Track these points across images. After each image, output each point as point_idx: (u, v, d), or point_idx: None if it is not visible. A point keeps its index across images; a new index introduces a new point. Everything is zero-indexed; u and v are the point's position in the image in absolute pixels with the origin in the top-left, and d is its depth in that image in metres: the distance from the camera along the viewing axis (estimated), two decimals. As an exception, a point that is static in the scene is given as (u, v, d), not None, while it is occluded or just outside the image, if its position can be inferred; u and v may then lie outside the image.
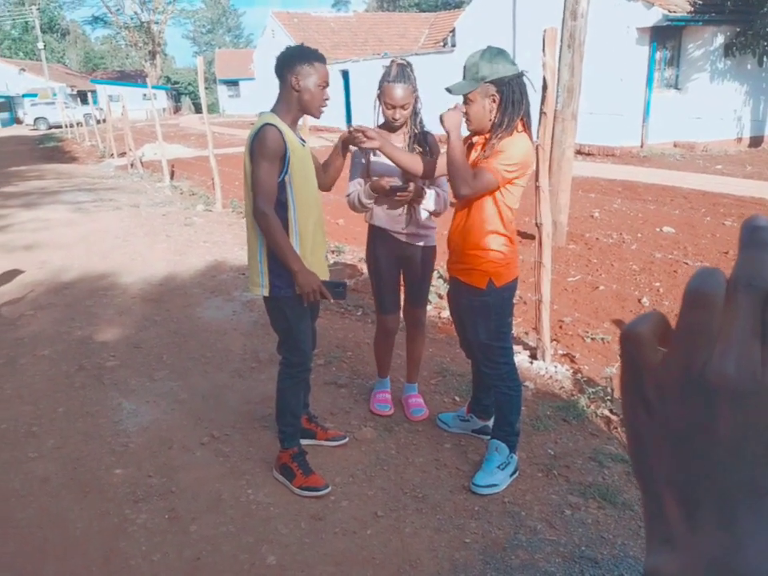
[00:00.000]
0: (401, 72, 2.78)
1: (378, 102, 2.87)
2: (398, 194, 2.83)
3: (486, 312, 2.63)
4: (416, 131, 2.91)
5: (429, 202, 2.93)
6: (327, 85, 2.57)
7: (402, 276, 3.19)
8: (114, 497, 2.75)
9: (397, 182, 2.84)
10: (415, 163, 2.72)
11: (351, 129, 2.61)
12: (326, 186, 2.88)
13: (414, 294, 3.20)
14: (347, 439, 3.10)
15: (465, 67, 2.47)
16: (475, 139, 2.59)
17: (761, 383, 0.29)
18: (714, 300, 0.30)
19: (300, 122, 2.72)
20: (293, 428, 2.81)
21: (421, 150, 2.89)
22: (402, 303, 3.27)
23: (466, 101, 2.47)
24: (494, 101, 2.44)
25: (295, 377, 2.75)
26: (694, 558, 0.31)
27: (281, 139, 2.46)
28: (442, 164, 2.72)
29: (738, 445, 0.30)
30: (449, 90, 2.50)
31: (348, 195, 3.00)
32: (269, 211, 2.46)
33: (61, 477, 2.91)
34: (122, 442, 3.17)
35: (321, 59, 2.56)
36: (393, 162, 2.70)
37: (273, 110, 2.58)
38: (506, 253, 2.59)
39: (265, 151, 2.45)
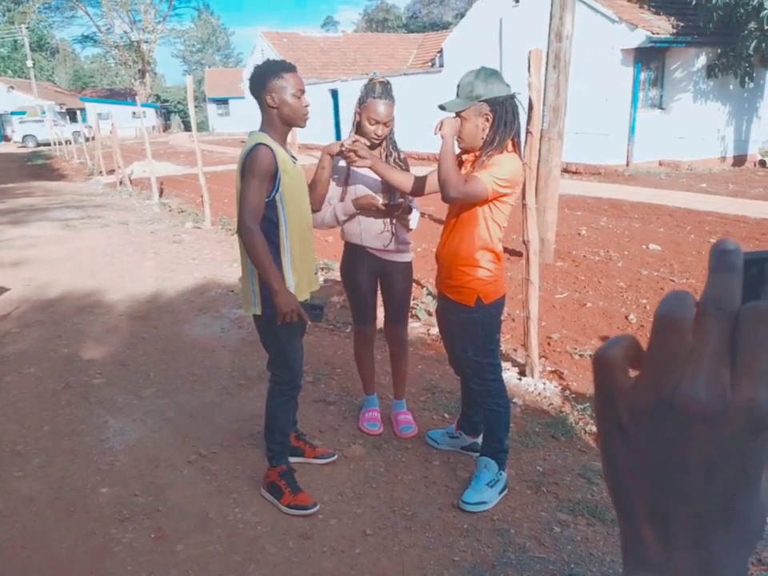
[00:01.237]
0: (385, 89, 2.84)
1: (356, 117, 2.91)
2: (391, 208, 2.87)
3: (474, 329, 2.64)
4: (392, 149, 2.97)
5: (413, 219, 2.99)
6: (303, 91, 2.55)
7: (381, 293, 3.22)
8: (99, 516, 2.71)
9: (379, 199, 2.88)
10: (407, 180, 2.76)
11: (344, 147, 2.62)
12: (316, 204, 2.88)
13: (394, 311, 3.22)
14: (336, 456, 3.09)
15: (459, 86, 2.50)
16: (465, 156, 2.61)
17: (730, 406, 0.30)
18: (684, 324, 0.31)
19: (288, 139, 2.74)
20: (281, 446, 2.79)
21: (399, 166, 2.94)
22: (377, 316, 3.31)
23: (459, 119, 2.49)
24: (487, 120, 2.47)
25: (286, 394, 2.74)
26: None
27: (272, 158, 2.47)
28: (431, 181, 2.75)
29: (710, 467, 0.31)
30: (442, 107, 2.52)
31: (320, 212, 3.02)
32: (254, 227, 2.45)
33: (46, 496, 2.87)
34: (108, 461, 3.13)
35: (289, 69, 2.54)
36: (385, 179, 2.73)
37: (261, 130, 2.58)
38: (494, 270, 2.60)
39: (255, 170, 2.45)
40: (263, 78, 2.51)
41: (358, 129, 2.92)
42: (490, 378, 2.71)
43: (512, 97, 2.49)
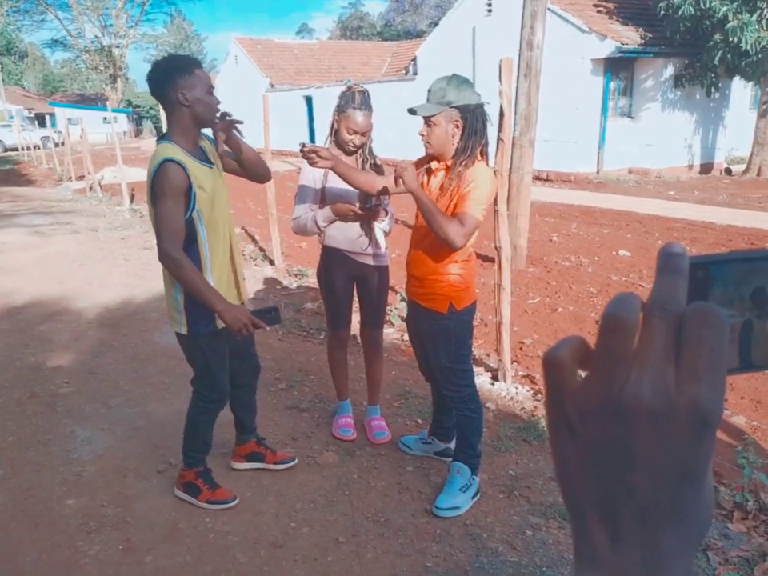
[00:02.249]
0: (364, 99, 2.85)
1: (334, 125, 2.91)
2: (368, 212, 2.87)
3: (446, 336, 2.64)
4: (368, 155, 2.98)
5: (387, 221, 3.01)
6: (213, 88, 2.39)
7: (358, 297, 3.22)
8: (65, 528, 2.65)
9: (355, 205, 2.88)
10: (370, 181, 2.73)
11: (304, 148, 2.54)
12: (262, 176, 2.75)
13: (370, 314, 3.22)
14: (296, 461, 3.06)
15: (429, 91, 2.48)
16: (434, 165, 2.58)
17: (675, 405, 0.30)
18: (630, 325, 0.31)
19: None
20: (202, 453, 2.79)
21: (374, 173, 2.95)
22: (352, 322, 3.31)
23: (429, 123, 2.48)
24: (457, 127, 2.46)
25: (211, 411, 2.71)
26: None
27: (183, 174, 2.28)
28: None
29: (656, 466, 0.31)
30: (412, 111, 2.50)
31: (295, 218, 3.01)
32: (176, 253, 2.28)
33: (10, 508, 2.80)
34: (74, 471, 3.07)
35: (199, 64, 2.38)
36: (346, 181, 2.70)
37: (168, 137, 2.38)
38: (465, 277, 2.61)
39: (167, 190, 2.27)
40: (172, 74, 2.29)
41: (336, 136, 2.92)
42: (463, 383, 2.72)
43: (482, 105, 2.50)
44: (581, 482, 0.34)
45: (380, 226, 3.03)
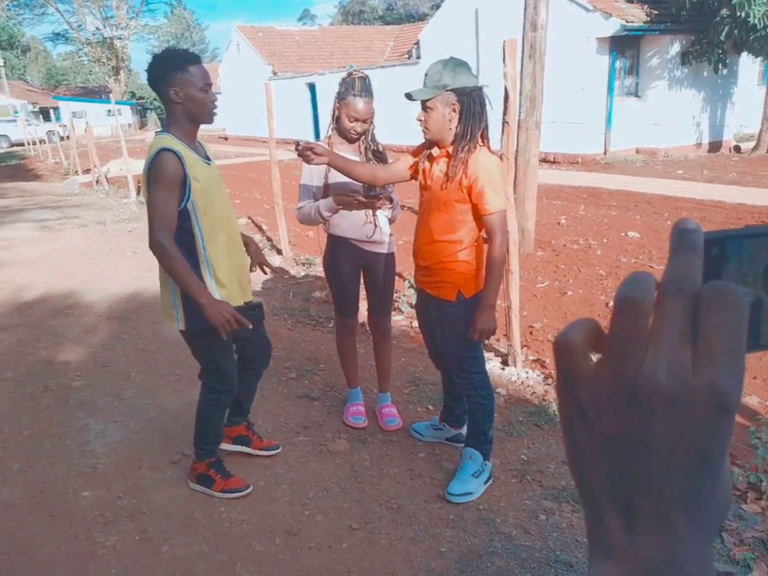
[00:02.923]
0: (364, 86, 2.82)
1: (335, 112, 2.89)
2: (372, 200, 2.86)
3: (456, 323, 2.63)
4: (370, 142, 2.96)
5: (394, 209, 3.00)
6: (210, 86, 2.38)
7: (364, 285, 3.22)
8: (82, 520, 2.68)
9: (359, 194, 2.86)
10: (369, 172, 2.72)
11: (299, 146, 2.52)
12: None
13: (378, 301, 3.22)
14: (280, 449, 3.09)
15: (426, 75, 2.46)
16: (435, 152, 2.55)
17: (692, 388, 0.29)
18: (644, 306, 0.30)
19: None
20: (213, 445, 2.81)
21: (377, 159, 2.96)
22: (359, 308, 3.32)
23: (425, 108, 2.45)
24: (455, 110, 2.43)
25: (221, 403, 2.73)
26: (633, 568, 0.31)
27: (178, 164, 2.31)
28: (395, 169, 2.73)
29: (672, 451, 0.30)
30: (409, 96, 2.48)
31: (299, 208, 3.00)
32: (166, 242, 2.28)
33: (27, 501, 2.83)
34: (89, 464, 3.10)
35: (194, 60, 2.34)
36: (346, 174, 2.69)
37: (166, 130, 2.41)
38: (473, 263, 2.59)
39: (161, 179, 2.29)
40: (165, 71, 2.31)
41: (337, 123, 2.91)
42: (474, 370, 2.72)
43: (479, 88, 2.46)
44: (594, 470, 0.33)
45: (385, 214, 3.02)
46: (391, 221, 3.11)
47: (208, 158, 2.52)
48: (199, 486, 2.81)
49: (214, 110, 2.43)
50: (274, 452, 3.08)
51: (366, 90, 2.83)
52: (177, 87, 2.30)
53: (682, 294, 0.30)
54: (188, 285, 2.31)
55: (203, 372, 2.70)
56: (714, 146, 14.18)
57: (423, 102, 2.45)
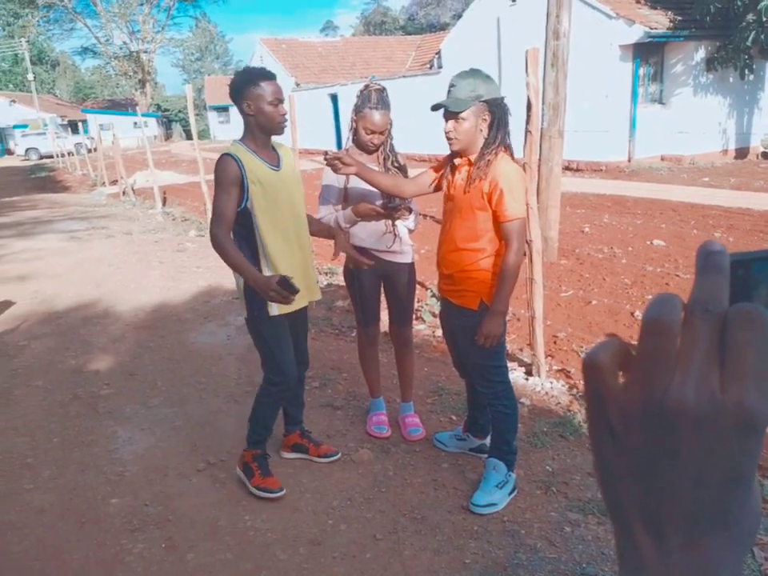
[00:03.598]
0: (380, 98, 2.85)
1: (352, 125, 2.93)
2: (391, 211, 2.87)
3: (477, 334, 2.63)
4: (389, 153, 2.99)
5: (411, 220, 3.02)
6: (280, 101, 2.56)
7: (385, 295, 3.24)
8: (110, 527, 2.72)
9: (377, 204, 2.89)
10: (395, 184, 2.76)
11: (327, 156, 2.62)
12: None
13: (399, 311, 3.24)
14: (339, 455, 3.11)
15: (453, 86, 2.45)
16: (457, 161, 2.57)
17: (720, 407, 0.30)
18: (671, 327, 0.31)
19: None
20: (261, 436, 2.89)
21: (396, 169, 2.98)
22: (380, 318, 3.34)
23: (457, 119, 2.44)
24: (485, 120, 2.45)
25: (275, 395, 2.82)
26: None
27: (236, 168, 2.52)
28: (420, 182, 2.76)
29: (701, 470, 0.31)
30: (443, 106, 2.46)
31: (319, 219, 3.03)
32: (219, 233, 2.49)
33: (57, 508, 2.88)
34: (117, 471, 3.14)
35: (266, 76, 2.54)
36: (373, 185, 2.73)
37: (240, 139, 2.65)
38: (495, 271, 2.58)
39: (218, 179, 2.54)
40: (241, 86, 2.53)
41: (355, 135, 2.94)
42: (497, 380, 2.71)
43: (504, 98, 2.50)
44: (624, 488, 0.33)
45: (404, 224, 3.04)
46: (411, 231, 3.13)
47: (277, 166, 2.66)
48: (242, 473, 2.91)
49: (283, 123, 2.60)
50: (333, 458, 3.11)
51: (383, 102, 2.85)
52: (249, 101, 2.51)
53: (708, 315, 0.30)
54: (238, 267, 2.50)
55: (261, 363, 2.83)
56: (741, 153, 13.96)
57: (453, 113, 2.45)
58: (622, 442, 0.33)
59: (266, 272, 2.61)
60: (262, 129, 2.58)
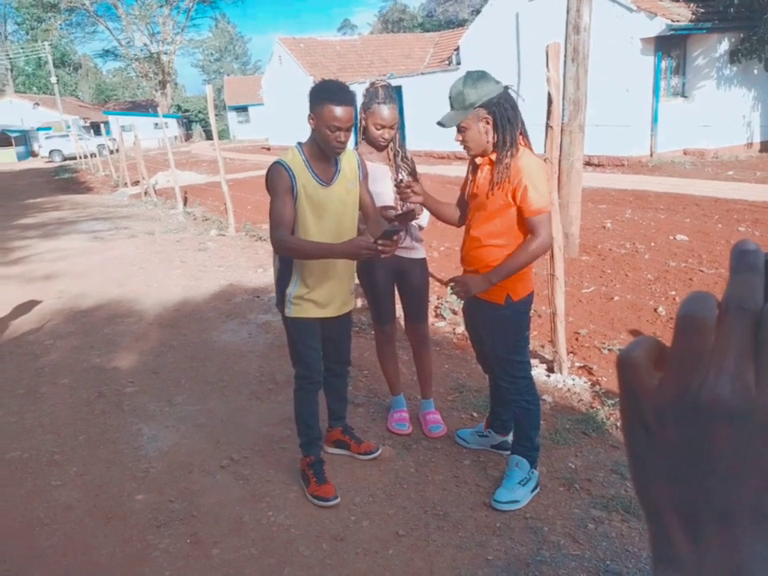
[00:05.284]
0: (387, 93, 2.90)
1: (362, 123, 2.97)
2: (405, 218, 2.88)
3: (504, 326, 2.64)
4: (399, 149, 3.05)
5: (424, 218, 3.09)
6: (339, 129, 2.46)
7: (398, 292, 3.27)
8: (136, 522, 2.76)
9: (392, 210, 2.90)
10: (452, 213, 2.85)
11: (401, 184, 2.64)
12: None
13: (414, 308, 3.25)
14: (380, 451, 3.12)
15: (450, 98, 2.50)
16: (478, 161, 2.61)
17: (755, 404, 0.30)
18: (706, 324, 0.31)
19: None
20: (307, 437, 2.89)
21: (406, 166, 3.04)
22: (396, 315, 3.36)
23: (461, 129, 2.51)
24: (488, 122, 2.48)
25: (303, 388, 2.85)
26: None
27: (286, 175, 2.55)
28: (461, 203, 2.83)
29: (737, 466, 0.30)
30: (441, 124, 2.54)
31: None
32: (283, 236, 2.51)
33: (84, 504, 2.93)
34: (142, 468, 3.19)
35: (335, 100, 2.44)
36: (436, 215, 2.83)
37: (304, 142, 2.66)
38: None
39: (269, 187, 2.58)
40: (312, 98, 2.53)
41: (365, 134, 2.96)
42: (520, 375, 2.71)
43: (505, 91, 2.49)
44: (658, 484, 0.33)
45: (417, 222, 3.07)
46: (421, 228, 3.18)
47: (329, 181, 2.62)
48: (301, 480, 2.92)
49: (337, 149, 2.54)
50: (374, 455, 3.11)
51: (390, 97, 2.90)
52: (313, 115, 2.52)
53: (743, 313, 0.30)
54: (322, 254, 2.52)
55: (290, 357, 2.89)
56: (766, 146, 13.72)
57: (458, 125, 2.52)
58: (656, 438, 0.33)
59: (294, 279, 2.68)
60: (319, 145, 2.58)
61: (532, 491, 2.73)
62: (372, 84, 2.95)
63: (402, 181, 2.68)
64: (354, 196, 2.71)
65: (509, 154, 2.47)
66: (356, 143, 3.14)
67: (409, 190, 2.66)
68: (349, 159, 2.71)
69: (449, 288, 2.62)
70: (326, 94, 2.47)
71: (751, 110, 13.48)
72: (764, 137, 13.74)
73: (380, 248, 2.31)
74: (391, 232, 2.36)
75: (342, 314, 2.85)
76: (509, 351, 2.67)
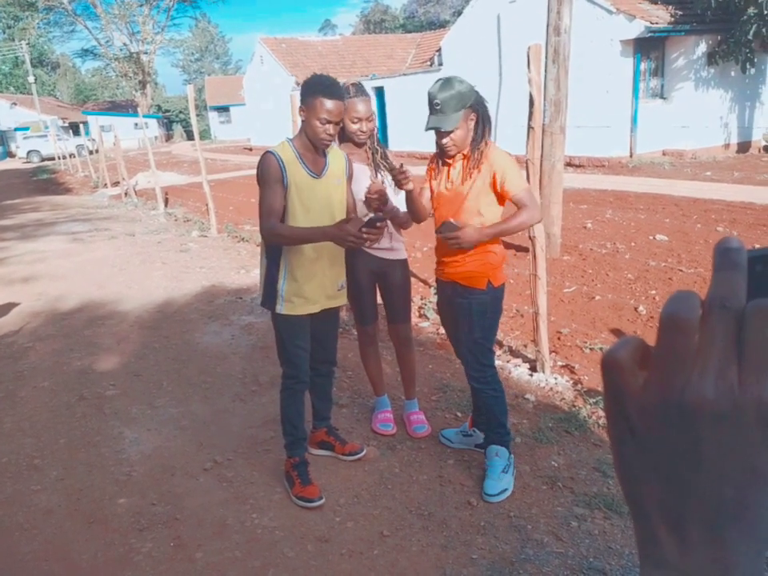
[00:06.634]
0: (358, 88, 2.93)
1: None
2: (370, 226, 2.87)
3: (482, 311, 2.73)
4: (378, 147, 3.06)
5: (401, 200, 2.93)
6: (330, 121, 2.51)
7: (380, 293, 3.27)
8: (118, 526, 2.73)
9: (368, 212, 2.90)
10: (425, 207, 2.86)
11: (400, 168, 2.60)
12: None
13: (395, 308, 3.25)
14: (365, 452, 3.12)
15: (439, 102, 2.52)
16: (450, 160, 2.69)
17: (738, 403, 0.30)
18: (690, 324, 0.31)
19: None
20: (292, 437, 2.88)
21: (384, 164, 3.05)
22: (378, 316, 3.35)
23: (450, 131, 2.56)
24: (473, 120, 2.60)
25: (290, 388, 2.84)
26: None
27: (277, 165, 2.56)
28: (427, 199, 2.86)
29: (721, 465, 0.31)
30: (437, 128, 2.56)
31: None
32: (272, 224, 2.52)
33: (65, 508, 2.89)
34: (124, 471, 3.16)
35: (328, 93, 2.49)
36: (414, 204, 2.79)
37: (294, 137, 2.70)
38: (500, 253, 2.74)
39: (263, 177, 2.58)
40: (304, 90, 2.58)
41: (342, 131, 2.95)
42: (488, 363, 2.82)
43: (477, 92, 2.62)
44: (644, 484, 0.33)
45: (397, 202, 2.98)
46: (403, 227, 3.14)
47: (319, 173, 2.65)
48: (286, 483, 2.91)
49: (326, 141, 2.58)
50: (358, 456, 3.10)
51: (361, 91, 2.93)
52: (304, 107, 2.56)
53: (726, 312, 0.31)
54: (309, 238, 2.52)
55: (278, 355, 2.88)
56: (743, 147, 13.93)
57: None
58: (641, 439, 0.33)
59: (282, 274, 2.67)
60: (308, 137, 2.61)
61: (512, 476, 2.83)
62: (342, 84, 2.97)
63: (402, 165, 2.65)
64: (341, 193, 2.74)
65: (483, 143, 2.61)
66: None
67: (402, 176, 2.60)
68: (337, 157, 2.75)
69: (438, 231, 2.60)
70: (319, 87, 2.53)
71: (728, 111, 13.67)
72: (741, 138, 13.95)
73: (365, 236, 2.34)
74: (375, 219, 2.39)
75: (331, 310, 2.84)
76: (484, 336, 2.76)
